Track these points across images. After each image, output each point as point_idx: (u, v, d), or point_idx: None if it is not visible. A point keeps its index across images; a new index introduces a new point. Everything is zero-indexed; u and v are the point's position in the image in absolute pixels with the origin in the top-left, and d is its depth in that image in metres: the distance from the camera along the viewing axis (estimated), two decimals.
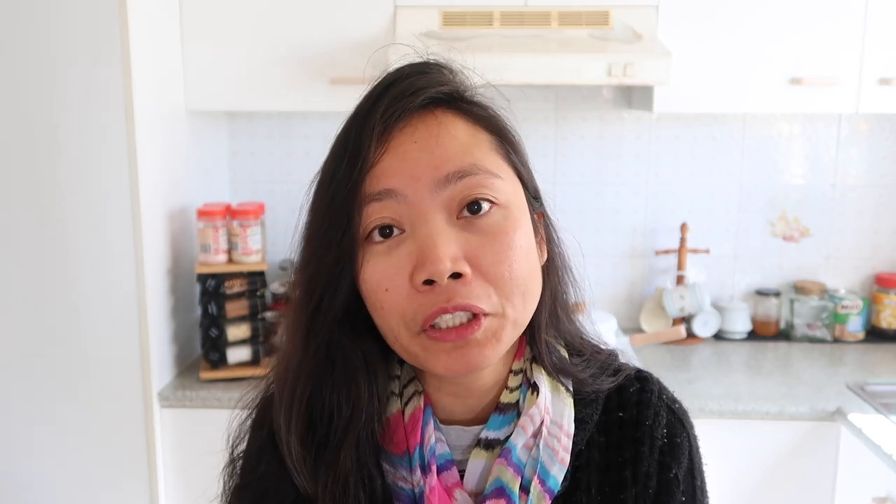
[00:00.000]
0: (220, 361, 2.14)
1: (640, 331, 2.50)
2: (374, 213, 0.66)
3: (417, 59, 0.72)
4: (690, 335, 2.43)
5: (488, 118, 0.71)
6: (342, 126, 0.70)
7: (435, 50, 0.74)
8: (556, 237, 0.77)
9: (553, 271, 0.75)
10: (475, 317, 0.65)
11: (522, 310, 0.68)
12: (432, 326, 0.65)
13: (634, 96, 2.41)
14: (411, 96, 0.67)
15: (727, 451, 2.01)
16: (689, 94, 2.15)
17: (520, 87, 2.08)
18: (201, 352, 2.18)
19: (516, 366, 0.74)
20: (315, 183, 0.71)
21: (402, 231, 0.66)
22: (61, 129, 1.90)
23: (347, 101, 0.73)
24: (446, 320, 0.65)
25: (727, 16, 2.13)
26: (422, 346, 0.66)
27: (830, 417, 1.97)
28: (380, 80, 0.70)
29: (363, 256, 0.67)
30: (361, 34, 2.12)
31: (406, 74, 0.69)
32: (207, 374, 2.12)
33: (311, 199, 0.71)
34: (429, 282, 0.64)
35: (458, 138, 0.68)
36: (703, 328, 2.46)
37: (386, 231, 0.66)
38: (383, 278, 0.66)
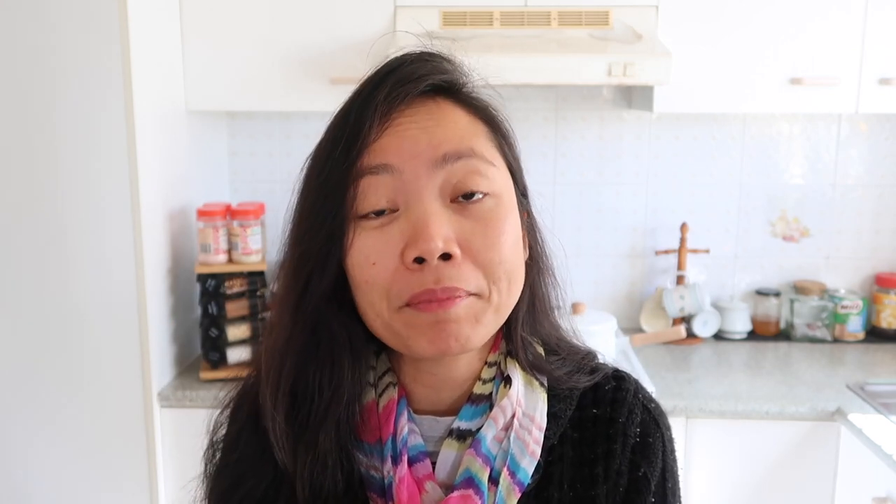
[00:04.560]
0: (220, 361, 2.14)
1: (640, 331, 2.50)
2: (370, 188, 0.66)
3: (419, 49, 0.73)
4: (690, 335, 2.43)
5: (486, 111, 0.73)
6: (339, 108, 0.70)
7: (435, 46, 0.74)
8: (539, 237, 0.77)
9: (534, 270, 0.76)
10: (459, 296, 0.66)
11: (507, 296, 0.69)
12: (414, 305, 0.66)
13: (634, 96, 2.41)
14: (414, 82, 0.69)
15: (727, 451, 2.01)
16: (689, 94, 2.15)
17: (520, 86, 2.08)
18: (201, 352, 2.18)
19: (491, 358, 0.74)
20: (308, 162, 0.71)
21: (396, 210, 0.67)
22: (61, 129, 1.90)
23: None
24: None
25: (727, 16, 2.13)
26: (403, 322, 0.66)
27: (830, 417, 1.97)
28: (382, 65, 0.70)
29: (354, 231, 0.67)
30: (361, 34, 2.12)
31: (409, 61, 0.70)
32: (207, 374, 2.12)
33: (303, 178, 0.71)
34: (419, 260, 0.65)
35: (457, 123, 0.69)
36: (703, 328, 2.46)
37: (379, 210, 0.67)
38: (372, 252, 0.66)
